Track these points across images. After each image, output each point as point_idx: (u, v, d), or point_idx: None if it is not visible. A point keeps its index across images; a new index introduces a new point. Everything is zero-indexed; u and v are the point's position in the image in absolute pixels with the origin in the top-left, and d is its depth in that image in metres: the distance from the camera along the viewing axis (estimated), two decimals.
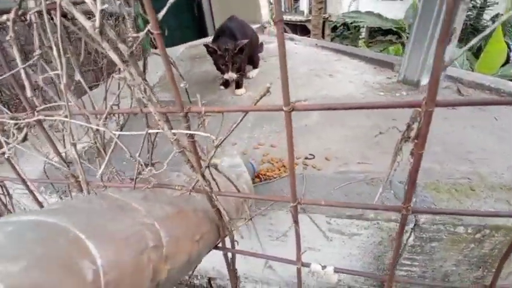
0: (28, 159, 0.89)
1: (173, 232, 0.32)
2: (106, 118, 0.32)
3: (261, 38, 2.65)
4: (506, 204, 0.65)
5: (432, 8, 1.18)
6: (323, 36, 5.47)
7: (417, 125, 0.21)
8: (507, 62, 2.94)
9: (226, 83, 1.53)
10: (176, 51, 2.55)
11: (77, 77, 0.34)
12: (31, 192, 0.50)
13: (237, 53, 1.25)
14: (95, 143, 0.37)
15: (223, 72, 1.32)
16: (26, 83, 0.29)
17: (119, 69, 0.27)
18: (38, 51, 0.28)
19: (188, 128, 0.27)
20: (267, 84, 0.23)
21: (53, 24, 0.27)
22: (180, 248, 0.33)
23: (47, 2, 0.25)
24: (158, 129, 0.30)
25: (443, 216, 0.60)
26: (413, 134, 0.22)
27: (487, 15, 4.43)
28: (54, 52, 0.25)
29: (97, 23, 0.23)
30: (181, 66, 2.14)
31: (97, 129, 0.35)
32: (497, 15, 4.41)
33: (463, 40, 4.14)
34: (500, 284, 0.28)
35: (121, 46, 0.23)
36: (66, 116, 0.33)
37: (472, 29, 4.32)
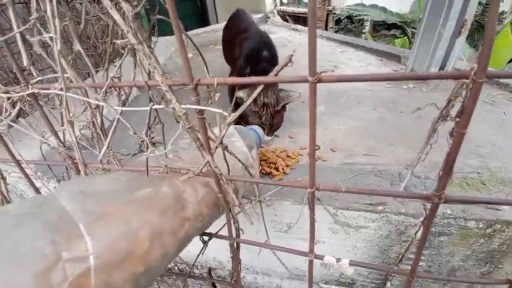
0: (25, 145, 0.86)
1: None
2: (106, 92, 0.29)
3: (265, 28, 2.60)
4: None
5: (443, 1, 1.14)
6: (326, 29, 5.38)
7: (462, 100, 0.18)
8: None
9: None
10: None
11: (77, 46, 0.31)
12: (27, 176, 0.48)
13: (279, 110, 0.81)
14: (93, 122, 0.35)
15: (247, 123, 0.81)
16: (22, 50, 0.27)
17: (122, 35, 0.24)
18: (35, 14, 0.25)
19: (198, 102, 0.24)
20: (290, 52, 0.20)
21: None
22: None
23: None
24: (163, 104, 0.27)
25: (454, 210, 0.58)
26: (454, 111, 0.19)
27: None
28: (48, 11, 0.23)
29: None
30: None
31: (97, 106, 0.32)
32: (502, 13, 4.35)
33: (468, 36, 4.09)
34: None
35: (125, 5, 0.20)
36: (62, 90, 0.30)
37: (477, 25, 4.26)
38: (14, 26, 0.25)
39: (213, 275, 0.91)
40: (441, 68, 1.24)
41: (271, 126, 0.82)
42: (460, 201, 0.23)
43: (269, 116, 0.79)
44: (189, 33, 2.63)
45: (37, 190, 0.54)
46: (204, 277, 0.91)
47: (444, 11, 1.15)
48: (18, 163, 0.40)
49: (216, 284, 0.96)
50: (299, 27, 2.52)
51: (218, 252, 0.82)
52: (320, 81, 0.20)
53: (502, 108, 1.05)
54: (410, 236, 0.62)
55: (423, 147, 0.23)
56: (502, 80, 1.21)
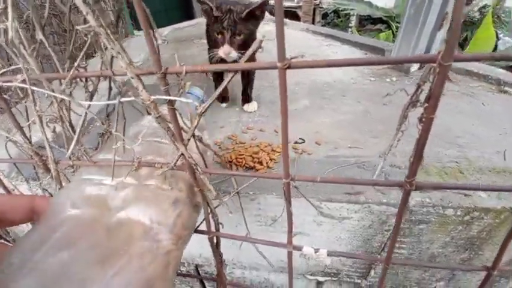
0: None
1: None
2: (71, 83, 0.28)
3: None
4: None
5: None
6: (313, 23, 5.39)
7: (429, 85, 0.18)
8: (495, 50, 2.99)
9: (224, 97, 1.07)
10: (161, 33, 2.43)
11: (39, 36, 0.29)
12: None
13: (244, 18, 0.77)
14: (61, 116, 0.33)
15: (216, 46, 0.81)
16: None
17: (85, 20, 0.22)
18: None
19: (167, 92, 0.23)
20: (259, 38, 0.20)
21: None
22: None
23: None
24: (130, 96, 0.26)
25: (433, 199, 0.59)
26: (422, 96, 0.19)
27: (475, 6, 4.46)
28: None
29: None
30: (166, 48, 2.05)
31: (62, 99, 0.31)
32: (484, 7, 4.46)
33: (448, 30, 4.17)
34: (501, 266, 0.27)
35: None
36: (25, 82, 0.28)
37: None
38: None
39: (200, 272, 0.90)
40: None
41: (234, 34, 0.78)
42: (431, 187, 0.23)
43: (232, 21, 0.76)
44: (173, 26, 2.58)
45: (7, 190, 0.52)
46: (191, 274, 0.90)
47: (425, 5, 1.16)
48: None
49: (204, 281, 0.96)
50: (286, 20, 2.50)
51: (204, 249, 0.81)
52: (289, 67, 0.19)
53: (481, 99, 1.08)
54: (392, 225, 0.63)
55: (395, 134, 0.23)
56: (481, 72, 1.25)
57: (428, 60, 0.18)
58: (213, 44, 0.83)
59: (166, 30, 2.46)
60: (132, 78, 0.23)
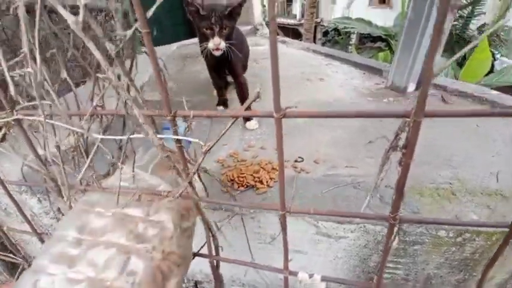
0: (9, 158, 0.86)
1: None
2: (89, 120, 0.31)
3: (253, 40, 2.66)
4: (486, 208, 0.67)
5: (420, 17, 1.22)
6: (314, 41, 5.54)
7: (405, 135, 0.21)
8: (491, 71, 3.05)
9: (224, 102, 1.26)
10: (168, 49, 2.53)
11: (64, 74, 0.33)
12: (9, 194, 0.48)
13: (227, 15, 0.92)
14: (78, 146, 0.36)
15: (207, 39, 0.93)
16: (9, 81, 0.28)
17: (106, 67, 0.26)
18: (25, 48, 0.27)
19: (176, 132, 0.26)
20: (257, 89, 0.23)
21: (39, 19, 0.26)
22: None
23: None
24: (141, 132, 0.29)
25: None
26: (401, 143, 0.22)
27: (473, 25, 4.54)
28: (23, 45, 0.25)
29: (80, 18, 0.22)
30: (172, 65, 2.12)
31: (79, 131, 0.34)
32: (483, 25, 4.53)
33: (449, 49, 4.27)
34: None
35: (108, 45, 0.23)
36: (45, 116, 0.32)
37: (458, 38, 4.44)
38: (1, 60, 0.27)
39: None
40: (419, 82, 1.31)
41: (221, 28, 0.91)
42: (414, 222, 0.26)
43: (218, 18, 0.89)
44: (180, 43, 2.67)
45: (17, 205, 0.54)
46: None
47: (420, 29, 1.22)
48: (3, 183, 0.41)
49: None
50: (287, 39, 2.60)
51: (203, 265, 0.82)
52: (284, 116, 0.23)
53: (475, 120, 1.12)
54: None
55: (379, 173, 0.26)
56: (475, 93, 1.29)
57: (403, 116, 0.21)
58: (203, 39, 0.97)
59: (173, 46, 2.56)
60: (143, 124, 0.26)
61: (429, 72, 0.21)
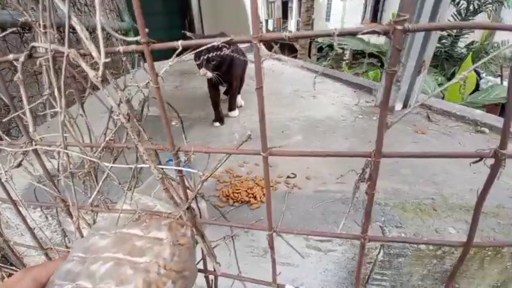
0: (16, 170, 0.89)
1: None
2: (101, 151, 0.36)
3: (250, 57, 2.76)
4: (464, 223, 0.72)
5: (405, 40, 1.31)
6: (309, 56, 5.71)
7: (368, 171, 0.26)
8: (476, 89, 3.18)
9: (220, 118, 1.38)
10: (167, 64, 2.60)
11: (80, 111, 0.38)
12: (19, 212, 0.52)
13: (215, 49, 1.06)
14: (90, 172, 0.41)
15: (199, 67, 1.15)
16: (29, 119, 0.33)
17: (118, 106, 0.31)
18: (47, 91, 0.32)
19: (178, 164, 0.31)
20: (248, 132, 0.28)
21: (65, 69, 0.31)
22: None
23: (53, 53, 0.29)
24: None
25: (408, 234, 0.66)
26: (366, 176, 0.28)
27: (461, 43, 4.69)
28: (56, 92, 0.30)
29: (100, 73, 0.27)
30: (170, 81, 2.19)
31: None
32: (472, 43, 4.69)
33: (438, 66, 4.43)
34: None
35: (120, 93, 0.28)
36: (62, 148, 0.37)
37: (446, 56, 4.61)
38: (25, 102, 0.32)
39: None
40: (406, 101, 1.38)
41: (208, 61, 1.11)
42: (383, 241, 0.31)
43: (206, 51, 0.96)
44: (176, 60, 2.76)
45: (23, 217, 0.58)
46: None
47: (404, 52, 1.31)
48: (14, 203, 0.45)
49: None
50: (282, 57, 2.70)
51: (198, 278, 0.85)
52: (270, 154, 0.28)
53: (458, 138, 1.19)
54: (373, 257, 0.70)
55: (352, 199, 0.31)
56: (458, 113, 1.37)
57: (364, 156, 0.27)
58: (198, 65, 1.16)
59: (171, 61, 2.63)
60: (147, 160, 0.31)
61: (382, 126, 0.26)
